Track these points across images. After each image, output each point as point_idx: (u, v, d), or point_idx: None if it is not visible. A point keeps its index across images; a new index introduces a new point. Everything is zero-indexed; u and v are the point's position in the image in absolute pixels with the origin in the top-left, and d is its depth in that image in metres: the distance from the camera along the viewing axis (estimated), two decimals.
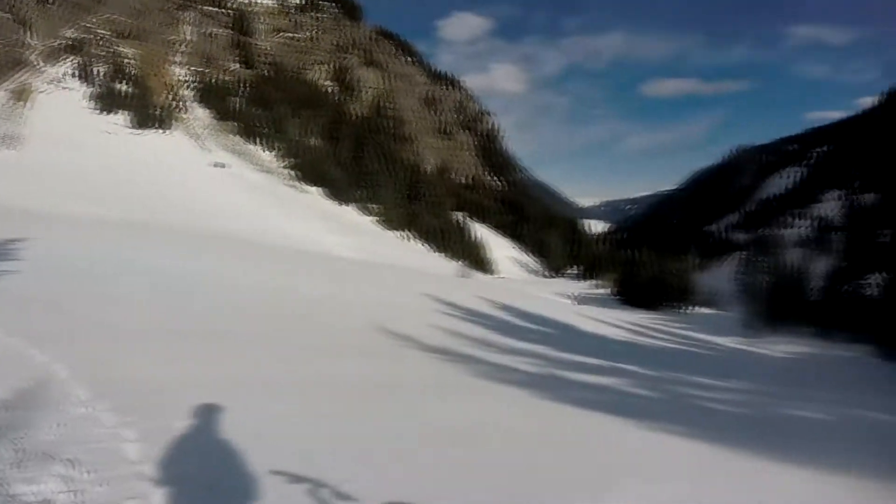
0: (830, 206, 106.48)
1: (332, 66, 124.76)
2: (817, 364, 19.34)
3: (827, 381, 12.97)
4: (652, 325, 31.34)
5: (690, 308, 59.65)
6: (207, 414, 3.53)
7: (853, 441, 5.81)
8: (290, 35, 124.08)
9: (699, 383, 9.71)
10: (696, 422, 6.01)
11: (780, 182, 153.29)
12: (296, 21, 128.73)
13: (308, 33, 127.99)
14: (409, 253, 63.57)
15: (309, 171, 77.44)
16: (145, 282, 9.90)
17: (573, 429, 5.14)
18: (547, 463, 3.89)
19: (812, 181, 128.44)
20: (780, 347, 27.00)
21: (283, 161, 78.36)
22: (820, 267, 40.98)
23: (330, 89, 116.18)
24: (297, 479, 2.80)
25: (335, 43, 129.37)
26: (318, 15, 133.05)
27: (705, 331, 36.37)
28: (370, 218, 78.15)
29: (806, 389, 10.48)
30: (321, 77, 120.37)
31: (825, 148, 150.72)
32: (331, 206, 73.17)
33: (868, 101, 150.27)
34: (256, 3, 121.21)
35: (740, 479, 4.09)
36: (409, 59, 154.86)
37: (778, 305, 39.48)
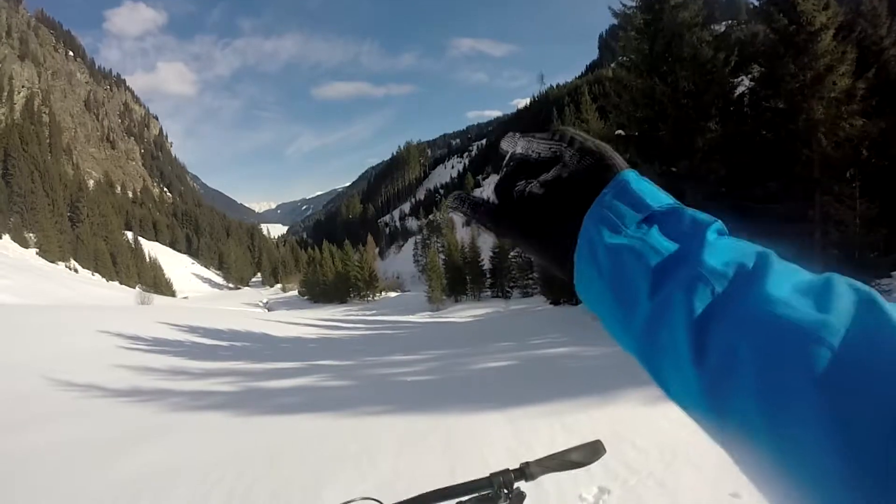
0: (491, 189, 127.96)
1: None
2: (494, 320, 21.80)
3: (504, 332, 14.62)
4: (344, 318, 32.65)
5: (378, 294, 64.75)
6: None
7: (530, 378, 6.55)
8: None
9: (393, 361, 10.22)
10: (392, 399, 6.22)
11: (446, 172, 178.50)
12: None
13: None
14: (80, 286, 56.55)
15: None
16: None
17: (280, 436, 5.00)
18: (260, 475, 3.81)
19: (474, 169, 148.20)
20: (465, 313, 31.07)
21: None
22: (488, 240, 48.63)
23: None
24: None
25: None
26: None
27: (395, 312, 39.54)
28: (30, 250, 64.19)
29: (486, 344, 11.67)
30: None
31: (484, 141, 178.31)
32: None
33: (523, 102, 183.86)
34: None
35: (435, 439, 4.31)
36: (71, 52, 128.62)
37: (455, 278, 45.68)
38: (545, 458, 0.94)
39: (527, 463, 0.92)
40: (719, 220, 0.38)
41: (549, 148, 0.45)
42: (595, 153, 0.43)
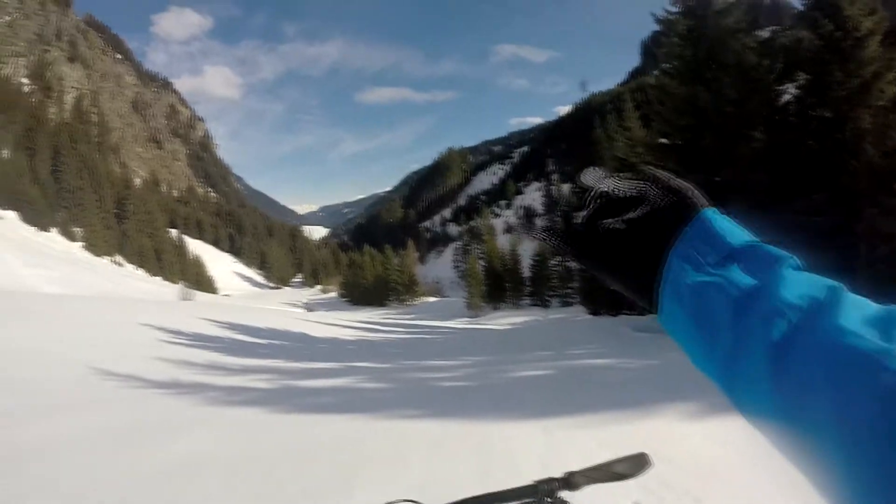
0: (533, 197, 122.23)
1: (31, 59, 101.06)
2: (533, 329, 21.55)
3: (542, 341, 14.39)
4: (382, 321, 32.76)
5: (417, 299, 65.02)
6: None
7: (566, 389, 6.46)
8: None
9: (429, 366, 10.18)
10: (427, 403, 6.23)
11: (487, 178, 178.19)
12: None
13: (7, 17, 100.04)
14: (124, 280, 58.00)
15: (1, 190, 63.58)
16: None
17: (314, 434, 4.99)
18: (292, 472, 3.82)
19: (516, 176, 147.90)
20: (504, 320, 30.91)
21: None
22: (529, 247, 48.19)
23: (27, 88, 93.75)
24: None
25: (37, 32, 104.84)
26: None
27: (433, 317, 39.64)
28: (77, 243, 66.83)
29: (524, 353, 11.53)
30: (18, 72, 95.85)
31: (526, 148, 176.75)
32: (29, 232, 62.19)
33: (564, 109, 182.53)
34: None
35: (469, 445, 4.27)
36: (119, 55, 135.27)
37: (495, 285, 45.46)
38: (590, 468, 0.94)
39: (572, 472, 0.92)
40: (795, 256, 0.41)
41: (635, 187, 0.48)
42: (678, 191, 0.47)
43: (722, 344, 0.40)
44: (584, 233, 0.50)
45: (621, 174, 0.50)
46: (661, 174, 0.49)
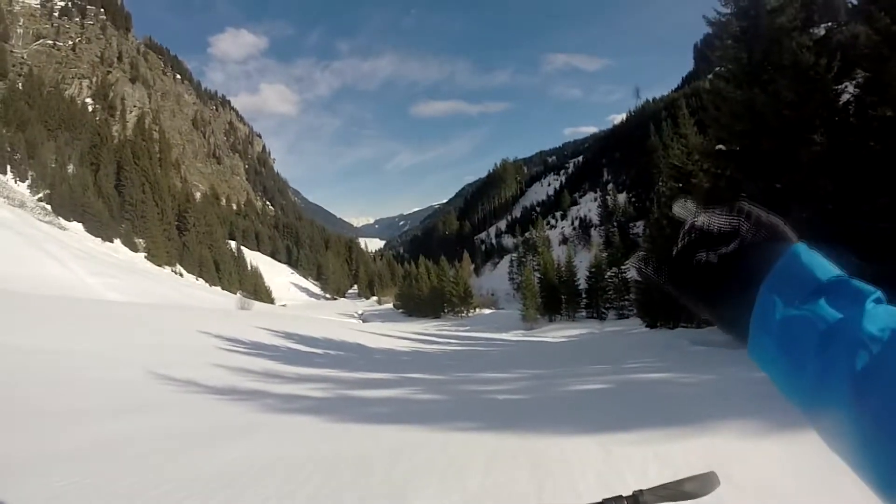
0: (588, 207, 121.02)
1: (94, 80, 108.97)
2: (589, 341, 21.25)
3: (598, 354, 14.20)
4: (437, 333, 32.86)
5: (472, 311, 64.92)
6: None
7: (623, 403, 6.31)
8: (51, 43, 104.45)
9: (484, 379, 10.14)
10: (482, 416, 6.17)
11: (542, 189, 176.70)
12: (58, 27, 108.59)
13: (71, 41, 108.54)
14: (183, 288, 60.03)
15: (68, 203, 68.29)
16: None
17: (369, 444, 5.01)
18: (347, 480, 3.84)
19: (570, 187, 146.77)
20: (559, 333, 30.49)
21: (38, 192, 67.96)
22: (584, 258, 47.39)
23: (91, 107, 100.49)
24: None
25: (99, 54, 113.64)
26: (84, 21, 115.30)
27: (488, 329, 39.51)
28: (139, 254, 70.61)
29: (580, 366, 11.38)
30: (82, 93, 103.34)
31: (581, 158, 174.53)
32: (94, 243, 65.65)
33: (618, 117, 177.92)
34: (17, 1, 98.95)
35: (525, 459, 4.22)
36: (178, 76, 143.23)
37: (550, 297, 44.94)
38: (659, 486, 0.93)
39: (641, 490, 0.92)
40: (879, 291, 0.44)
41: (728, 222, 0.52)
42: (770, 227, 0.51)
43: (808, 373, 0.43)
44: (679, 264, 0.54)
45: (714, 208, 0.54)
46: (754, 210, 0.52)
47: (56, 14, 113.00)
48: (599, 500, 0.91)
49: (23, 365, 8.47)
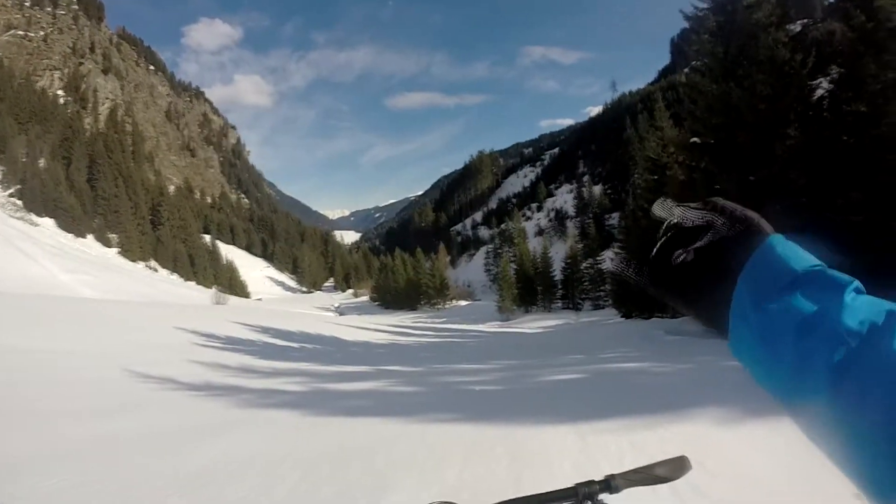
0: (564, 199, 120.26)
1: (66, 72, 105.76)
2: (565, 332, 21.57)
3: (574, 344, 14.44)
4: (414, 325, 32.88)
5: (448, 302, 65.07)
6: None
7: (600, 393, 6.38)
8: (22, 33, 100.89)
9: (461, 370, 10.18)
10: (459, 407, 6.21)
11: (518, 181, 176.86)
12: (30, 17, 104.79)
13: (42, 32, 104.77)
14: (158, 284, 59.63)
15: (39, 198, 66.74)
16: None
17: (346, 438, 5.00)
18: (326, 474, 3.85)
19: (546, 178, 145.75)
20: (535, 324, 30.68)
21: (9, 187, 66.21)
22: (560, 249, 47.70)
23: (63, 100, 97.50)
24: None
25: (71, 45, 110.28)
26: (56, 11, 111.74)
27: (465, 321, 39.62)
28: (112, 249, 69.00)
29: (556, 356, 11.48)
30: (53, 84, 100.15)
31: (557, 150, 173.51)
32: (66, 238, 64.32)
33: (595, 110, 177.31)
34: None
35: (502, 449, 4.25)
36: (152, 67, 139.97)
37: (526, 288, 45.23)
38: (630, 471, 0.94)
39: (612, 475, 0.93)
40: (857, 280, 0.44)
41: (702, 217, 0.52)
42: (744, 220, 0.50)
43: (785, 364, 0.43)
44: (658, 265, 0.54)
45: (690, 203, 0.54)
46: (728, 204, 0.52)
47: (27, 4, 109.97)
48: (572, 485, 0.92)
49: None
